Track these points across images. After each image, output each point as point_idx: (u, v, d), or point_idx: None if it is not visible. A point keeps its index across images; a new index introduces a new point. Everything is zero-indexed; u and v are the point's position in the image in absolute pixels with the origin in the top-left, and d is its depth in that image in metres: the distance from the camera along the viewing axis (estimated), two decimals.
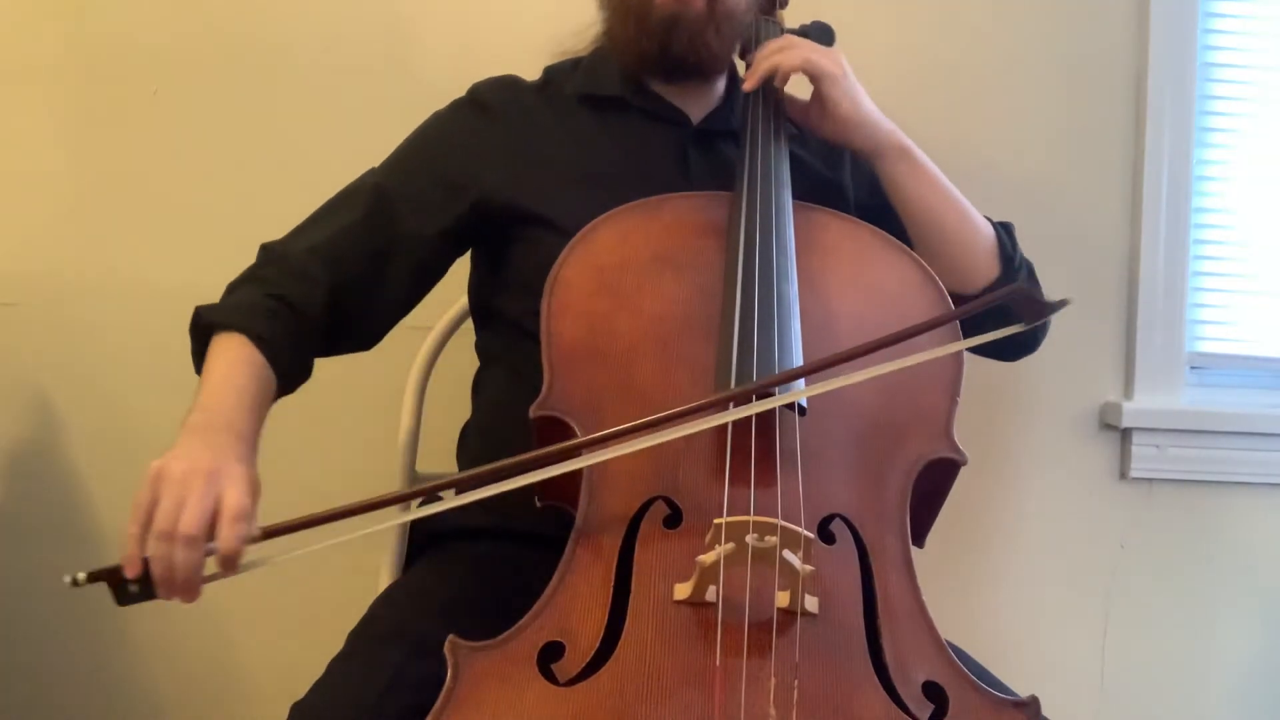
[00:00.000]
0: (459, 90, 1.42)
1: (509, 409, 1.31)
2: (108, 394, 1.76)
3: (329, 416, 1.78)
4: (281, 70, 1.75)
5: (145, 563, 0.96)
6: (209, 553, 0.97)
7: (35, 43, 1.74)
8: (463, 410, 1.45)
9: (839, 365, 1.03)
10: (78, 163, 1.75)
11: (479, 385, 1.44)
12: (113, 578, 0.96)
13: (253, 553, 0.99)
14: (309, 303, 1.26)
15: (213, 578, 0.98)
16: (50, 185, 1.76)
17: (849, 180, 1.43)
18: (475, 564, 1.25)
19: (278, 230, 1.33)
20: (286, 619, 1.79)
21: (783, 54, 1.32)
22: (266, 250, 1.32)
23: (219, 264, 1.72)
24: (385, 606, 1.23)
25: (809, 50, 1.31)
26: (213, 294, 1.73)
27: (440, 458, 1.52)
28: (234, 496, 0.99)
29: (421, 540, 1.36)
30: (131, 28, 1.75)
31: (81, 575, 0.95)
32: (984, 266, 1.34)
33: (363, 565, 1.47)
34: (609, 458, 1.01)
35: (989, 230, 1.36)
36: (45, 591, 1.77)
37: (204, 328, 1.22)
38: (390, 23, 1.77)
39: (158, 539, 0.96)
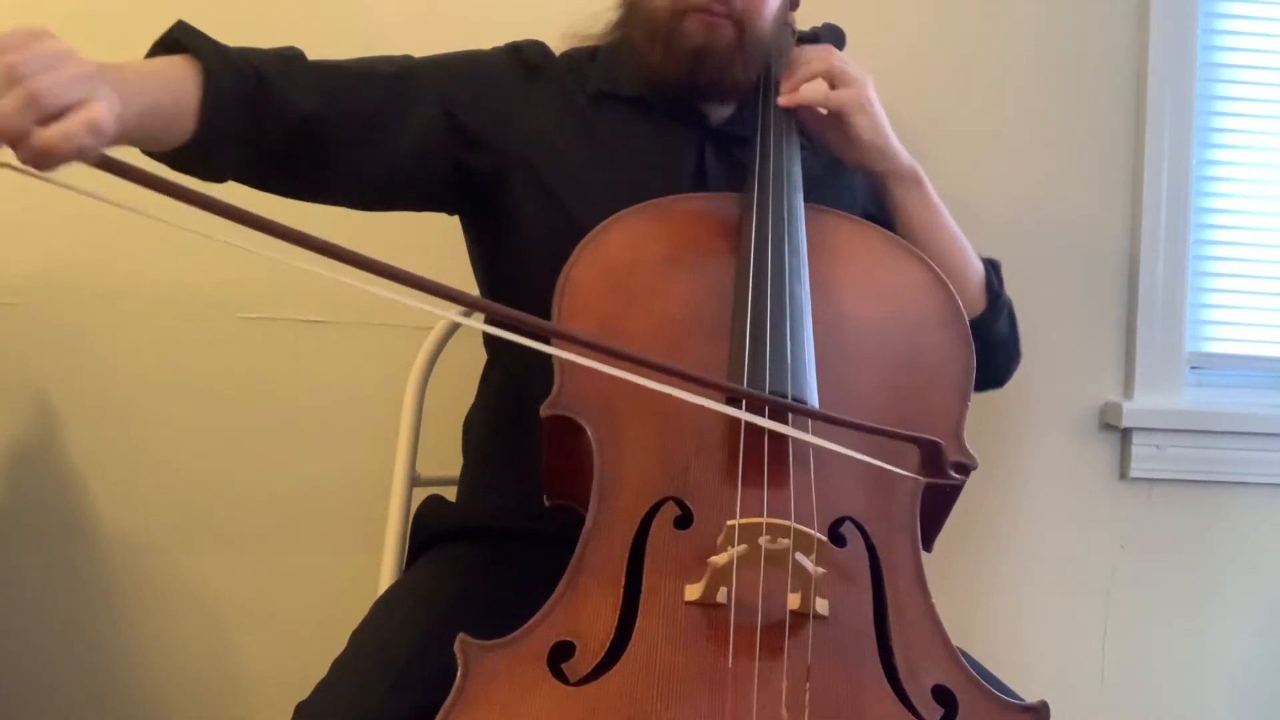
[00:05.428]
0: None
1: (514, 396, 1.31)
2: (108, 394, 1.76)
3: (329, 417, 1.78)
4: None
5: None
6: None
7: None
8: (463, 410, 1.45)
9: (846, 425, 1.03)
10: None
11: (486, 375, 1.43)
12: None
13: (69, 171, 0.87)
14: (285, 105, 1.19)
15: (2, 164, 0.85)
16: (50, 184, 1.74)
17: (858, 185, 1.43)
18: (477, 564, 1.25)
19: None
20: (286, 620, 1.78)
21: (809, 74, 1.31)
22: (286, 49, 1.25)
23: (219, 263, 1.74)
24: (388, 606, 1.23)
25: (828, 84, 1.30)
26: (212, 293, 1.75)
27: (441, 459, 1.52)
28: (102, 108, 0.87)
29: (422, 541, 1.36)
30: (131, 27, 1.73)
31: None
32: (972, 299, 1.34)
33: (363, 565, 1.47)
34: (602, 370, 0.96)
35: (979, 266, 1.38)
36: (45, 591, 1.77)
37: (171, 42, 1.16)
38: (393, 21, 1.77)
39: (2, 75, 0.84)
